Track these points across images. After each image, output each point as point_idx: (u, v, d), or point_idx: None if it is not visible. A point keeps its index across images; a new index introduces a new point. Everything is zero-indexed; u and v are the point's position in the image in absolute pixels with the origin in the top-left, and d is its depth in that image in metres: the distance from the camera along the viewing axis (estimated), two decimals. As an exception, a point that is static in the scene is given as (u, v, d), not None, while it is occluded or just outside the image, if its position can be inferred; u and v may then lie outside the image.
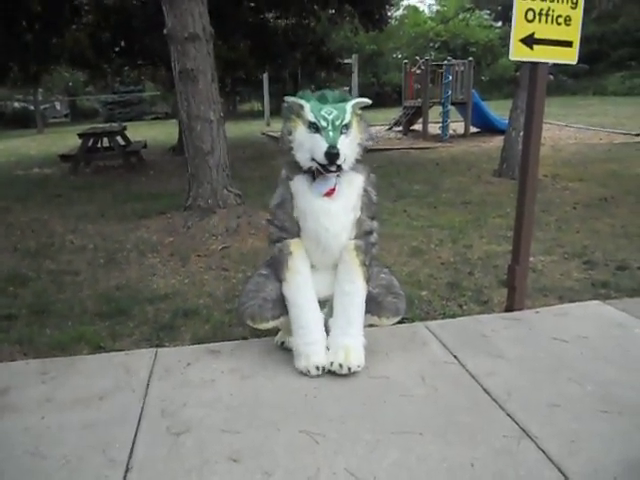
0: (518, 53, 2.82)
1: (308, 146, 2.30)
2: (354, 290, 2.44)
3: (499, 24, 28.37)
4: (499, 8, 25.60)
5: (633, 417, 2.09)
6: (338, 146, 2.22)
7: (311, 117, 2.27)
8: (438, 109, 12.27)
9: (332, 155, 2.21)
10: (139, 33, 8.91)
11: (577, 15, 2.87)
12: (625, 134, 11.09)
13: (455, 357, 2.59)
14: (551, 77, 20.48)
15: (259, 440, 2.02)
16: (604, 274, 3.80)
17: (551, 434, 2.00)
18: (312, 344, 2.42)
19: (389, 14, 13.23)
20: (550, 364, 2.51)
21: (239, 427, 2.10)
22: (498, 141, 8.84)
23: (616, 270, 3.86)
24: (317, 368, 2.38)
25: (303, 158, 2.34)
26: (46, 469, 1.90)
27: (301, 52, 11.37)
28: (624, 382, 2.33)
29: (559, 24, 2.84)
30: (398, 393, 2.29)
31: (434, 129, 12.47)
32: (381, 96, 24.83)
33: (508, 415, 2.12)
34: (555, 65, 2.98)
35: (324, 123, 2.25)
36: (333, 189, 2.35)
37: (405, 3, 30.96)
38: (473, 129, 12.71)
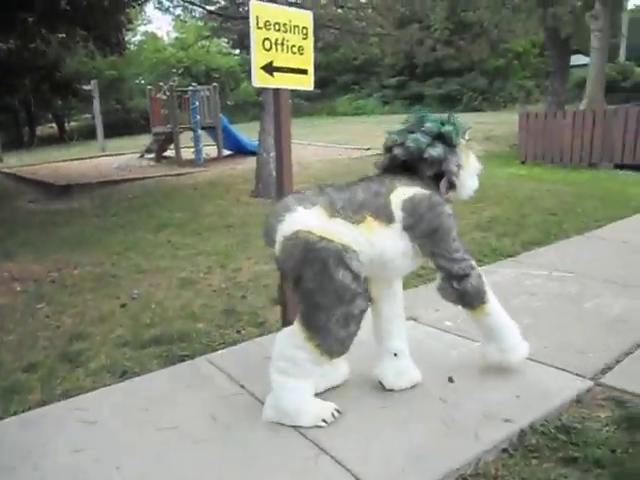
0: (261, 80, 2.91)
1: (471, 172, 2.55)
2: None
3: (237, 51, 29.70)
4: (235, 37, 26.75)
5: (409, 407, 2.30)
6: None
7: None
8: (190, 134, 12.23)
9: None
10: None
11: (308, 45, 3.08)
12: (359, 149, 12.50)
13: (242, 387, 2.55)
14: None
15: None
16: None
17: (344, 445, 2.07)
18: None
19: (126, 39, 12.74)
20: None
21: None
22: (251, 162, 9.14)
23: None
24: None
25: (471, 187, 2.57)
26: None
27: (30, 78, 10.21)
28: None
29: (294, 53, 3.02)
30: (190, 441, 2.14)
31: (188, 154, 12.38)
32: (128, 123, 23.87)
33: (303, 436, 2.14)
34: (292, 90, 3.16)
35: None
36: None
37: (143, 29, 30.37)
38: (226, 152, 12.98)
